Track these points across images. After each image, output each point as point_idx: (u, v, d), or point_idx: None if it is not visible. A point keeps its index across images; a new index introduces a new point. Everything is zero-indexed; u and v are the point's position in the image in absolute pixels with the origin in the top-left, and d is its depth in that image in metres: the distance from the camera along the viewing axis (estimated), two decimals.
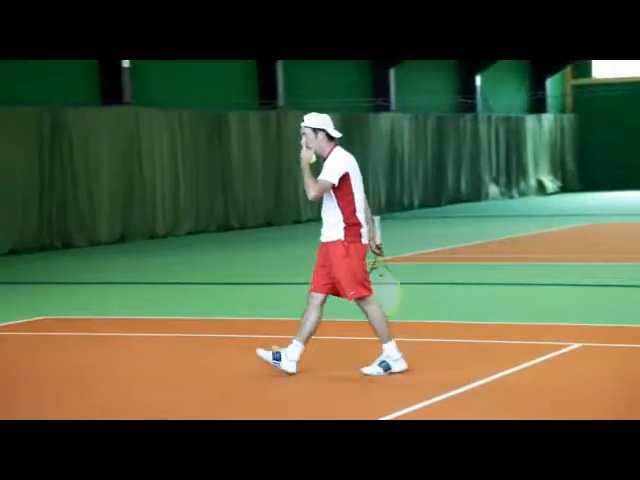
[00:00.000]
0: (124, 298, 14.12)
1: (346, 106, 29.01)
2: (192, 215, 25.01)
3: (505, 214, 29.61)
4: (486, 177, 36.13)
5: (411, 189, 32.37)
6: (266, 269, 16.99)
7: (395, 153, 31.63)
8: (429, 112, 33.14)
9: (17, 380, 8.88)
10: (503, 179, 37.17)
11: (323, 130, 8.29)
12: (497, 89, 37.62)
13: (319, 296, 8.38)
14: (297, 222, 26.93)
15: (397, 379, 8.27)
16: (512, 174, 37.59)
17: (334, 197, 8.30)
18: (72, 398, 8.13)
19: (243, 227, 26.07)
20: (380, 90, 31.76)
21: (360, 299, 8.32)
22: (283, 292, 14.03)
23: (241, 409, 7.64)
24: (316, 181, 8.30)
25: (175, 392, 8.26)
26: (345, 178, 8.29)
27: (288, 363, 8.39)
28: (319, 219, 8.58)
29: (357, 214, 8.32)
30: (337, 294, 8.45)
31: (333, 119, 8.62)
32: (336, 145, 8.40)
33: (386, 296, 8.50)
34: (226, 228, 25.71)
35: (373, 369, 8.37)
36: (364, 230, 8.35)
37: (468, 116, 35.28)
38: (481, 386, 8.03)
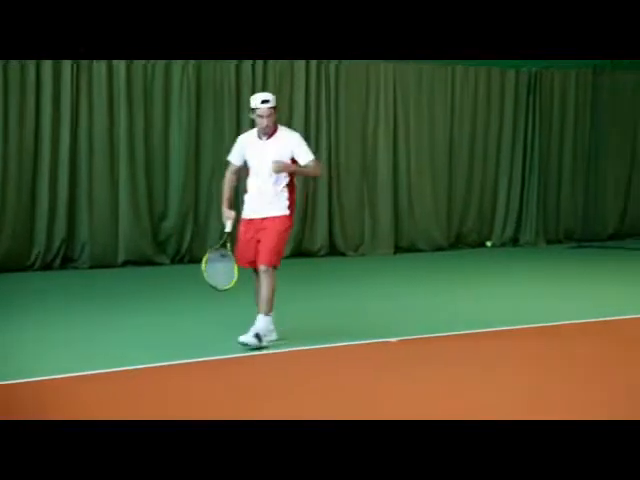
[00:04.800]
0: None
1: None
2: None
3: None
4: None
5: None
6: None
7: None
8: None
9: None
10: None
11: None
12: None
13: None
14: None
15: None
16: None
17: (287, 175, 8.67)
18: None
19: None
20: None
21: (272, 268, 8.63)
22: None
23: None
24: (308, 163, 8.63)
25: None
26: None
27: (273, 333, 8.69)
28: None
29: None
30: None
31: None
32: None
33: (226, 270, 8.75)
34: None
35: (248, 338, 8.55)
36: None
37: None
38: None
